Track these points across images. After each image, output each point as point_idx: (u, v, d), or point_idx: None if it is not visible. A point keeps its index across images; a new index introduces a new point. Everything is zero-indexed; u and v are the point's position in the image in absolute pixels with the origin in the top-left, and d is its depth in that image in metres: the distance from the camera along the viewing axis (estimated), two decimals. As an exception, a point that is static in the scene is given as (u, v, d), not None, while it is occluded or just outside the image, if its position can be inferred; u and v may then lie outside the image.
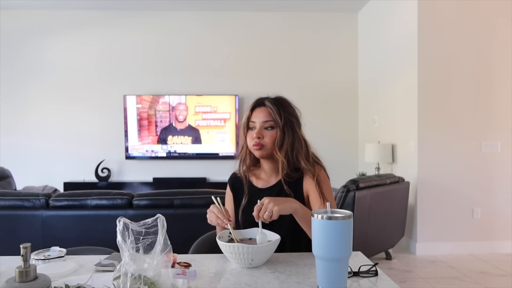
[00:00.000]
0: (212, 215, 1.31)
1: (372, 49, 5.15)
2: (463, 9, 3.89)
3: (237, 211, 1.50)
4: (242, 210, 1.47)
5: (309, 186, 1.42)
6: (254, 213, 1.23)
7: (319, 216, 0.94)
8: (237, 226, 1.45)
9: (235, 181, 1.55)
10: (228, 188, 1.57)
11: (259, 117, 1.43)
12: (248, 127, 1.46)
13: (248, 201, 1.47)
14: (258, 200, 1.24)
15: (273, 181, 1.48)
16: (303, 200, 1.42)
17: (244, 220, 1.44)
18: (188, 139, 5.37)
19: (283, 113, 1.42)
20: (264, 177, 1.50)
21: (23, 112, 5.39)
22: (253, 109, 1.46)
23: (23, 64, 5.37)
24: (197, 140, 5.37)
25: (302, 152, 1.44)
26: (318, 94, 5.48)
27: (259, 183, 1.50)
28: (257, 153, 1.43)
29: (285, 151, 1.41)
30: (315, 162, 1.47)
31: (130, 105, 5.31)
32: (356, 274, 1.11)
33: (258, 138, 1.40)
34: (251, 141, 1.43)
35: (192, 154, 5.39)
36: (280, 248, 1.37)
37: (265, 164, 1.49)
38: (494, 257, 3.72)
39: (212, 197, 1.34)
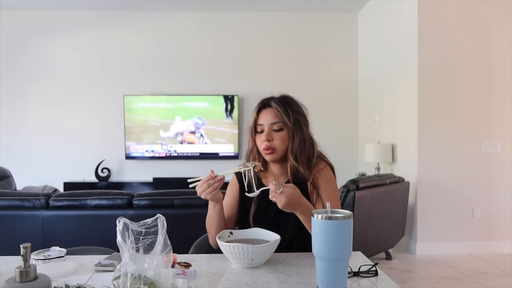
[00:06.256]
0: (201, 185, 1.29)
1: (372, 49, 5.15)
2: (463, 9, 3.88)
3: (242, 207, 1.47)
4: (253, 215, 1.43)
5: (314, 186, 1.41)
6: (271, 187, 1.20)
7: (319, 216, 0.93)
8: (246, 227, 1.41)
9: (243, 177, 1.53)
10: (234, 179, 1.52)
11: (267, 119, 1.40)
12: (255, 130, 1.43)
13: (258, 204, 1.43)
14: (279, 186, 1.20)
15: (281, 182, 1.45)
16: (309, 199, 1.41)
17: (256, 225, 1.40)
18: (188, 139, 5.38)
19: (291, 112, 1.39)
20: (273, 179, 1.48)
21: (23, 112, 5.39)
22: (259, 111, 1.43)
23: (23, 64, 5.37)
24: (197, 140, 5.37)
25: (309, 152, 1.41)
26: (318, 94, 5.47)
27: (268, 184, 1.48)
28: (268, 158, 1.41)
29: (294, 153, 1.39)
30: (322, 160, 1.45)
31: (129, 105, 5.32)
32: (356, 274, 1.11)
33: (268, 140, 1.38)
34: (261, 144, 1.40)
35: (192, 154, 5.38)
36: (287, 248, 1.37)
37: (274, 166, 1.47)
38: (494, 257, 3.72)
39: (188, 181, 1.31)
